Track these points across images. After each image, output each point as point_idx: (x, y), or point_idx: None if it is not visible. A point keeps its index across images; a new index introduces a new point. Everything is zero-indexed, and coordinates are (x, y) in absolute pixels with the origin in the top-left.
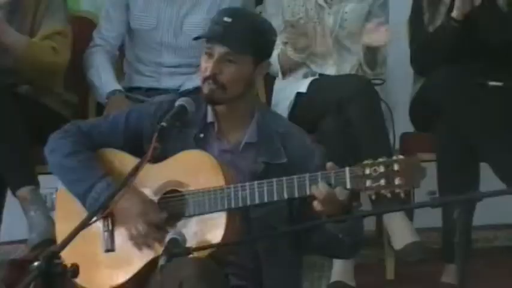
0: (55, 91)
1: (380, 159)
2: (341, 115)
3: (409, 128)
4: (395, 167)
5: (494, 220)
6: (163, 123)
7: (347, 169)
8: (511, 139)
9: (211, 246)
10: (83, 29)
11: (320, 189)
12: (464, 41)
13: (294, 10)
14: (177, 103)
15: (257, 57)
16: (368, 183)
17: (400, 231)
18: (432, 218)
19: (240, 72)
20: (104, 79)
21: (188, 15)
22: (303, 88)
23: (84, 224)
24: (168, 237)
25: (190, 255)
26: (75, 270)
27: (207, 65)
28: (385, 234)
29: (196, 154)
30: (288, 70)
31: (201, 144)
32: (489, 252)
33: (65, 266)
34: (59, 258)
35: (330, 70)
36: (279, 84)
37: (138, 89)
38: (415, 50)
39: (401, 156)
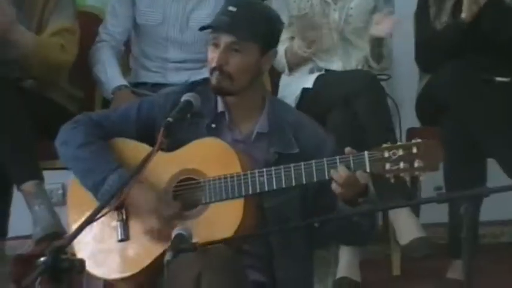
0: (60, 85)
1: (399, 143)
2: (347, 110)
3: (416, 123)
4: (414, 149)
5: (501, 216)
6: (170, 118)
7: (366, 153)
8: None
9: (218, 241)
10: (88, 24)
11: (340, 172)
12: (470, 36)
13: (299, 6)
14: (183, 98)
15: (263, 45)
16: (388, 166)
17: (406, 227)
18: (438, 213)
19: (246, 62)
20: (110, 74)
21: (194, 11)
22: (309, 83)
23: (93, 217)
24: (174, 233)
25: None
26: (82, 264)
27: (213, 56)
28: (391, 229)
29: (211, 142)
30: (294, 66)
31: (213, 133)
32: (496, 247)
33: (72, 260)
34: (66, 253)
35: (336, 65)
36: (285, 79)
37: (144, 84)
38: (420, 46)
39: (419, 140)
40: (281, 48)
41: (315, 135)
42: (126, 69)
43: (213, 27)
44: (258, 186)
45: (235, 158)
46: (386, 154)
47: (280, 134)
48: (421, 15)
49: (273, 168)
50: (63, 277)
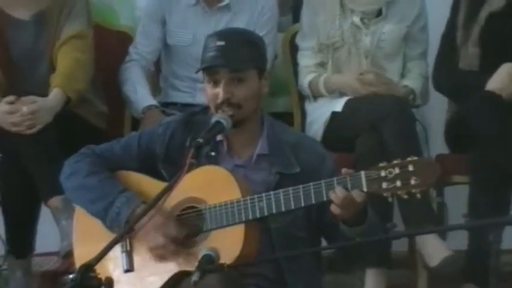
0: (87, 100)
1: (395, 161)
2: (376, 135)
3: (445, 149)
4: (410, 167)
5: None
6: (200, 140)
7: (362, 172)
8: None
9: (246, 263)
10: (120, 43)
11: (337, 193)
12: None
13: (329, 33)
14: (213, 119)
15: (259, 68)
16: (384, 185)
17: (434, 249)
18: (465, 240)
19: (250, 88)
20: (140, 94)
21: None
22: (339, 107)
23: (121, 238)
24: (201, 253)
25: None
26: (110, 283)
27: (215, 92)
28: (417, 254)
29: (210, 169)
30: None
31: (213, 162)
32: None
33: (100, 279)
34: (94, 271)
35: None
36: (313, 103)
37: (174, 104)
38: (439, 72)
39: (415, 158)
40: (305, 79)
41: (315, 153)
42: (155, 89)
43: (211, 66)
44: (257, 211)
45: (235, 183)
46: (382, 173)
47: (280, 154)
48: (447, 36)
49: (272, 192)
50: None
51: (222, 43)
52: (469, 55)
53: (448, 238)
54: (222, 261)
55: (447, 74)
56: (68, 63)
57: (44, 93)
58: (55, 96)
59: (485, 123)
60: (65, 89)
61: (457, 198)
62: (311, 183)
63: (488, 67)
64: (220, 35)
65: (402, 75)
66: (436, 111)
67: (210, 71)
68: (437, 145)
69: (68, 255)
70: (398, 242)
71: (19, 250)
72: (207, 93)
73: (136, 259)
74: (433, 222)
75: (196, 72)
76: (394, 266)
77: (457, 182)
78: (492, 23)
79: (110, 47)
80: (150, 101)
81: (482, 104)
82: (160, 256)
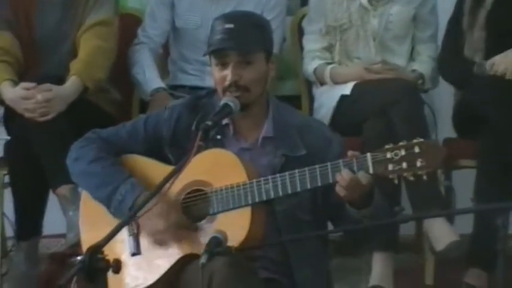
0: (102, 88)
1: (400, 143)
2: (384, 118)
3: (453, 133)
4: (416, 149)
5: None
6: (208, 122)
7: (368, 154)
8: None
9: (254, 246)
10: (128, 26)
11: (343, 175)
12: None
13: (337, 15)
14: (222, 102)
15: (267, 51)
16: (390, 167)
17: (441, 233)
18: (472, 224)
19: (257, 71)
20: (148, 76)
21: None
22: (347, 90)
23: (126, 222)
24: (209, 236)
25: None
26: (117, 265)
27: (223, 75)
28: (425, 238)
29: (216, 152)
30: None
31: (219, 145)
32: None
33: (108, 261)
34: (102, 253)
35: None
36: (320, 87)
37: (182, 87)
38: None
39: (420, 139)
40: (309, 66)
41: (322, 136)
42: (164, 72)
43: (219, 49)
44: (264, 194)
45: (241, 166)
46: (388, 155)
47: (286, 136)
48: (453, 21)
49: (278, 175)
50: (98, 277)
51: (230, 26)
52: (475, 39)
53: (455, 222)
54: (229, 243)
55: (451, 64)
56: (89, 51)
57: (62, 77)
58: (72, 85)
59: (491, 108)
60: (82, 77)
61: (464, 182)
62: (317, 166)
63: (494, 51)
64: (228, 17)
65: (411, 58)
66: (444, 95)
67: (219, 53)
68: (446, 129)
69: (75, 246)
70: (406, 225)
71: (25, 233)
72: (215, 76)
73: (144, 242)
74: (441, 206)
75: (204, 55)
76: (401, 250)
77: (464, 165)
78: (498, 7)
79: (119, 29)
80: (159, 83)
81: (488, 89)
82: (160, 241)
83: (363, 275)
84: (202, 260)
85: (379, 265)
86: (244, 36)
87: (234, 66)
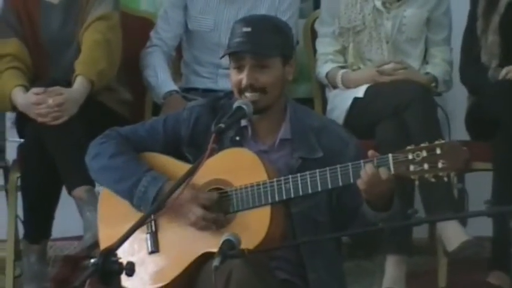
0: (111, 88)
1: (422, 144)
2: (397, 121)
3: (466, 135)
4: (438, 150)
5: None
6: (222, 125)
7: (390, 155)
8: None
9: (267, 249)
10: (141, 29)
11: (366, 169)
12: None
13: (350, 17)
14: (235, 105)
15: (284, 56)
16: (412, 167)
17: (452, 233)
18: (485, 227)
19: (273, 75)
20: (161, 79)
21: None
22: (361, 93)
23: (142, 222)
24: (222, 239)
25: None
26: (131, 267)
27: (239, 78)
28: (438, 241)
29: (237, 152)
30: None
31: (237, 146)
32: None
33: (121, 263)
34: (116, 255)
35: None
36: (334, 90)
37: (195, 90)
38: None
39: (442, 141)
40: (322, 69)
41: (338, 138)
42: (177, 75)
43: (236, 52)
44: (284, 193)
45: (261, 166)
46: (410, 156)
47: (303, 139)
48: (468, 28)
49: (298, 174)
50: (112, 279)
51: (248, 29)
52: (489, 44)
53: (468, 225)
54: (247, 244)
55: (470, 71)
56: (89, 45)
57: (70, 79)
58: (79, 85)
59: (504, 111)
60: (86, 73)
61: (477, 185)
62: (338, 166)
63: (509, 55)
64: (247, 21)
65: (425, 61)
66: (457, 98)
67: (236, 56)
68: (459, 131)
69: (92, 247)
70: (419, 228)
71: (35, 235)
72: (232, 79)
73: (162, 240)
74: (454, 209)
75: (222, 57)
76: (415, 253)
77: (477, 168)
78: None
79: (131, 32)
80: (171, 86)
81: (500, 93)
82: (204, 227)
83: (376, 278)
84: (215, 263)
85: (392, 268)
86: (261, 40)
87: (250, 70)
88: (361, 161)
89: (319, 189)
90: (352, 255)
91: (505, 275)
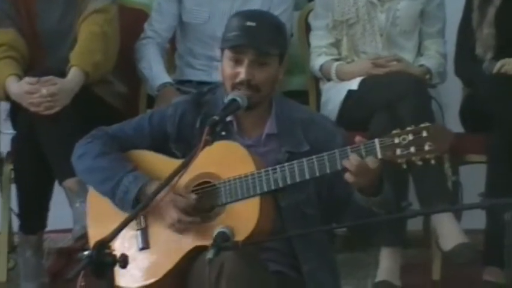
0: (105, 80)
1: (408, 128)
2: (391, 113)
3: (460, 127)
4: (424, 133)
5: None
6: (215, 117)
7: (376, 140)
8: None
9: (260, 240)
10: (135, 21)
11: (351, 161)
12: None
13: (343, 10)
14: (229, 97)
15: (281, 54)
16: (398, 151)
17: (449, 232)
18: (479, 219)
19: (271, 73)
20: (155, 71)
21: (242, 8)
22: (355, 85)
23: (135, 215)
24: (215, 231)
25: None
26: (125, 259)
27: (236, 71)
28: (432, 234)
29: (224, 145)
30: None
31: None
32: None
33: (115, 256)
34: (109, 248)
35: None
36: (328, 82)
37: (189, 82)
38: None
39: (428, 124)
40: (316, 61)
41: (325, 131)
42: (171, 67)
43: (239, 45)
44: (272, 183)
45: (250, 158)
46: (396, 140)
47: (289, 133)
48: (464, 21)
49: (285, 164)
50: (106, 271)
51: (252, 24)
52: (485, 36)
53: (462, 217)
54: (237, 236)
55: (464, 64)
56: (84, 37)
57: (66, 70)
58: (73, 76)
59: (499, 104)
60: (81, 64)
61: (472, 177)
62: (325, 153)
63: (504, 48)
64: (250, 15)
65: (419, 54)
66: (452, 90)
67: (237, 49)
68: (453, 123)
69: (81, 238)
70: (413, 221)
71: (30, 226)
72: (226, 71)
73: (152, 236)
74: (448, 201)
75: (222, 48)
76: (409, 245)
77: (472, 161)
78: (508, 4)
79: (125, 24)
80: (165, 78)
81: (494, 85)
82: (180, 230)
83: (370, 270)
84: (209, 255)
85: (386, 260)
86: (265, 36)
87: (249, 65)
88: (348, 147)
89: (307, 177)
90: (346, 248)
91: (499, 270)
